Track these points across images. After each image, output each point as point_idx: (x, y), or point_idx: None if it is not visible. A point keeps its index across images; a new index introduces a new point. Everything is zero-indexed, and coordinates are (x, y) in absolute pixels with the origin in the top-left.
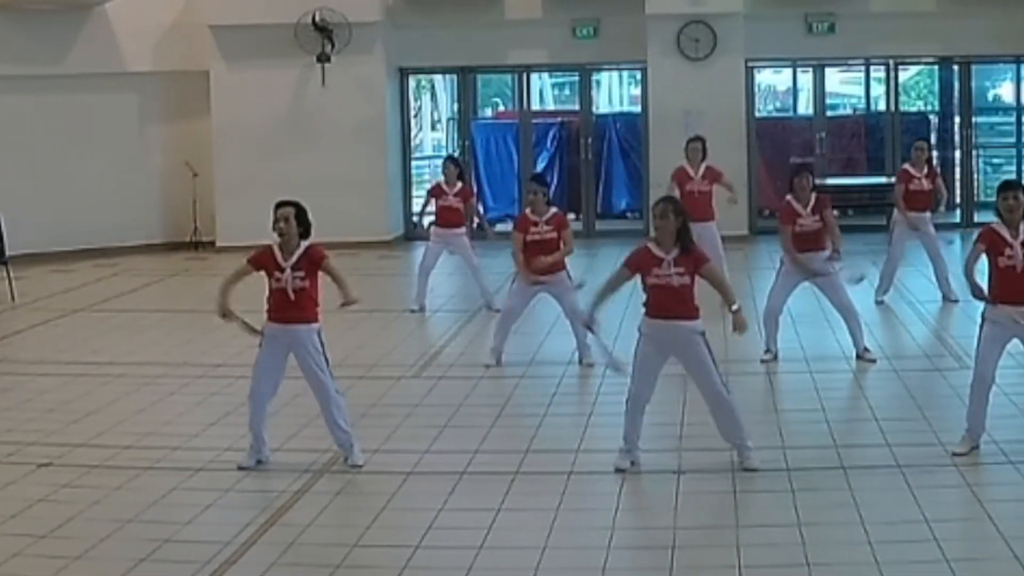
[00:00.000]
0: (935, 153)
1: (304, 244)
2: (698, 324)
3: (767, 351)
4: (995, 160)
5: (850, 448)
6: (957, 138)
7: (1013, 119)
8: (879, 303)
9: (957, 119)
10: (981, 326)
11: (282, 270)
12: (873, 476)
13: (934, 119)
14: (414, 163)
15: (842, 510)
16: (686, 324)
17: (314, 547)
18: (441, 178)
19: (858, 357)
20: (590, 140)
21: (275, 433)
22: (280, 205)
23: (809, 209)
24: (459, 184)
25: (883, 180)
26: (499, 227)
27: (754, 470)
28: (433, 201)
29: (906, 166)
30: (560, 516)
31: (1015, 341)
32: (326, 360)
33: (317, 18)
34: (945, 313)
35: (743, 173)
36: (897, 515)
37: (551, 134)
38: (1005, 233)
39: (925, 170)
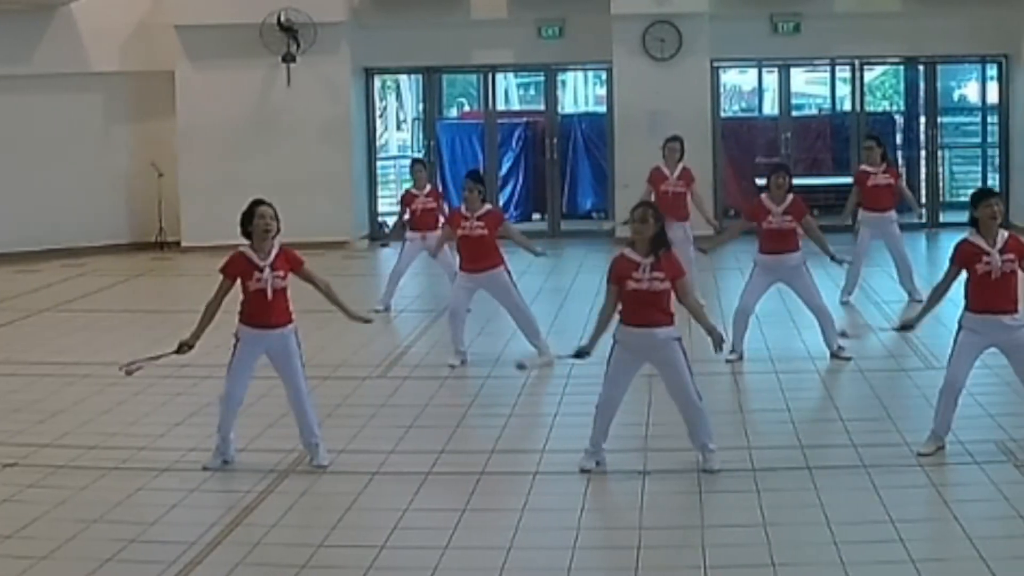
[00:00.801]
0: (899, 153)
1: (278, 243)
2: (674, 330)
3: (732, 351)
4: (960, 160)
5: (815, 448)
6: (922, 138)
7: (978, 119)
8: (844, 303)
9: (922, 119)
10: (957, 332)
11: (261, 270)
12: (838, 476)
13: (899, 119)
14: (379, 163)
15: (807, 510)
16: (663, 331)
17: (279, 547)
18: (409, 184)
19: (833, 356)
20: (555, 140)
21: (240, 433)
22: (259, 203)
23: (782, 209)
24: (428, 186)
25: (849, 180)
26: None
27: (714, 471)
28: (407, 208)
29: (863, 166)
30: (525, 516)
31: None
32: (302, 362)
33: (282, 18)
34: (911, 313)
35: (708, 173)
36: (862, 515)
37: (516, 134)
38: (982, 243)
39: (883, 167)
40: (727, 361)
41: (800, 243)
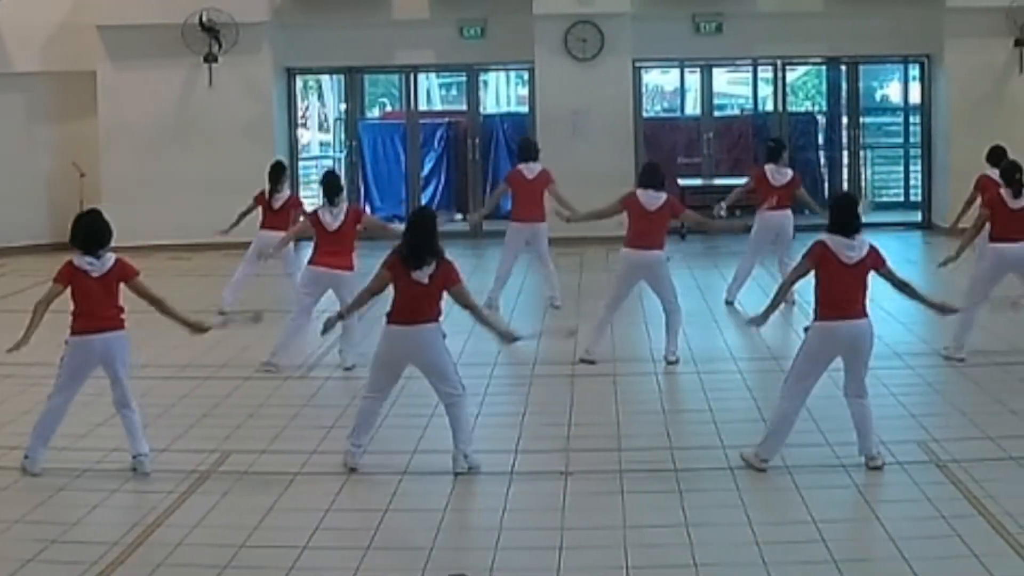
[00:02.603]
0: (822, 153)
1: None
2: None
3: (588, 352)
4: (883, 160)
5: (738, 449)
6: (845, 138)
7: (901, 119)
8: (729, 304)
9: (845, 119)
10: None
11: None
12: (761, 477)
13: (822, 119)
14: (301, 163)
15: (730, 511)
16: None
17: (201, 548)
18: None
19: (667, 362)
20: (477, 140)
21: (161, 434)
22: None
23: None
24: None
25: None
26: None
27: (465, 471)
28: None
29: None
30: (447, 517)
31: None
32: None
33: (204, 18)
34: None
35: (630, 174)
36: (785, 516)
37: (438, 134)
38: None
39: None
40: (582, 361)
41: (664, 243)
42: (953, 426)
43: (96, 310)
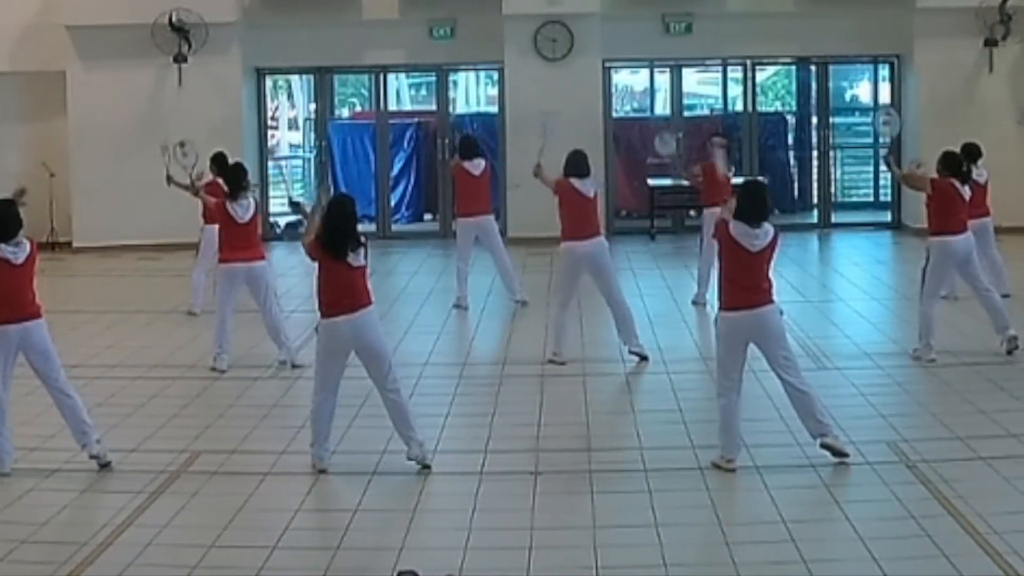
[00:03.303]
0: (791, 153)
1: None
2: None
3: (556, 354)
4: (852, 161)
5: (708, 449)
6: (814, 138)
7: (870, 119)
8: (695, 303)
9: (815, 119)
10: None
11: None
12: (730, 477)
13: (791, 119)
14: (270, 164)
15: (699, 511)
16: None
17: (171, 548)
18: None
19: (637, 356)
20: (447, 140)
21: (131, 434)
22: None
23: (593, 191)
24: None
25: (740, 180)
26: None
27: (425, 468)
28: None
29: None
30: (417, 517)
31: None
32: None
33: (174, 18)
34: (800, 313)
35: (600, 174)
36: (754, 516)
37: (408, 134)
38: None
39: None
40: (551, 362)
41: (600, 228)
42: (922, 426)
43: (16, 299)
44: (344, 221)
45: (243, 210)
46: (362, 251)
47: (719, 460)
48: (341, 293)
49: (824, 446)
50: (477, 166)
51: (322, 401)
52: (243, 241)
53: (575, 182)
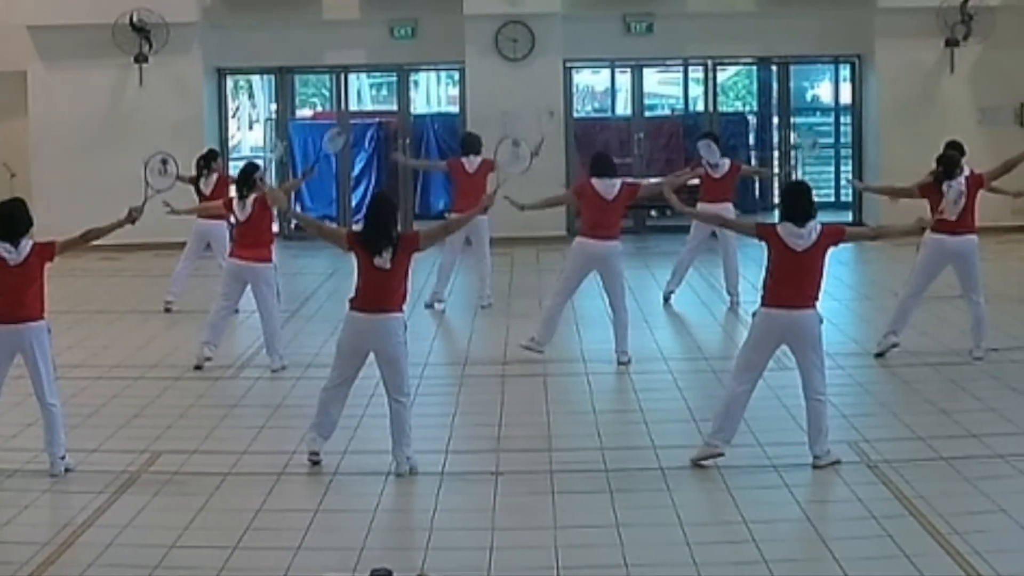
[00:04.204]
0: (753, 153)
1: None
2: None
3: (533, 339)
4: (813, 160)
5: (668, 449)
6: (776, 139)
7: (831, 119)
8: (667, 301)
9: (776, 119)
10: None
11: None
12: (692, 477)
13: (753, 120)
14: (232, 163)
15: (660, 511)
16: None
17: (131, 548)
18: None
19: (620, 362)
20: (408, 140)
21: (91, 434)
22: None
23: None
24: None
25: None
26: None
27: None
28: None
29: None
30: (378, 517)
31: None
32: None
33: (135, 18)
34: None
35: (561, 174)
36: (716, 516)
37: (369, 134)
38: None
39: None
40: (527, 348)
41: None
42: (884, 426)
43: (10, 299)
44: (375, 218)
45: (240, 209)
46: (390, 253)
47: (710, 443)
48: (365, 290)
49: (816, 466)
50: (472, 163)
51: (330, 393)
52: (243, 240)
53: (596, 182)
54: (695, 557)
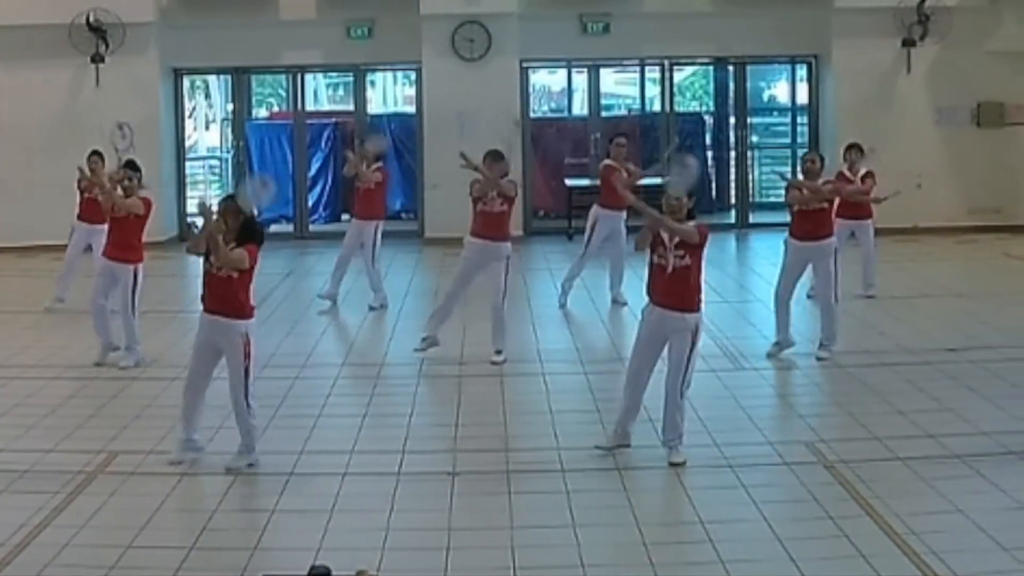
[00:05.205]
0: (710, 154)
1: None
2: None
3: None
4: (770, 161)
5: (624, 449)
6: (732, 139)
7: (788, 119)
8: (615, 303)
9: (732, 119)
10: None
11: None
12: (648, 477)
13: (709, 120)
14: (188, 164)
15: (617, 511)
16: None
17: (88, 549)
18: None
19: (492, 362)
20: (364, 141)
21: (48, 435)
22: None
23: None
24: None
25: (658, 181)
26: (274, 228)
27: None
28: None
29: (608, 161)
30: (334, 518)
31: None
32: None
33: (91, 18)
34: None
35: (518, 174)
36: (672, 516)
37: (325, 135)
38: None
39: (630, 166)
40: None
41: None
42: (840, 426)
43: None
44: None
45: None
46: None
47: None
48: (207, 292)
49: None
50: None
51: (188, 394)
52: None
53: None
54: (652, 557)
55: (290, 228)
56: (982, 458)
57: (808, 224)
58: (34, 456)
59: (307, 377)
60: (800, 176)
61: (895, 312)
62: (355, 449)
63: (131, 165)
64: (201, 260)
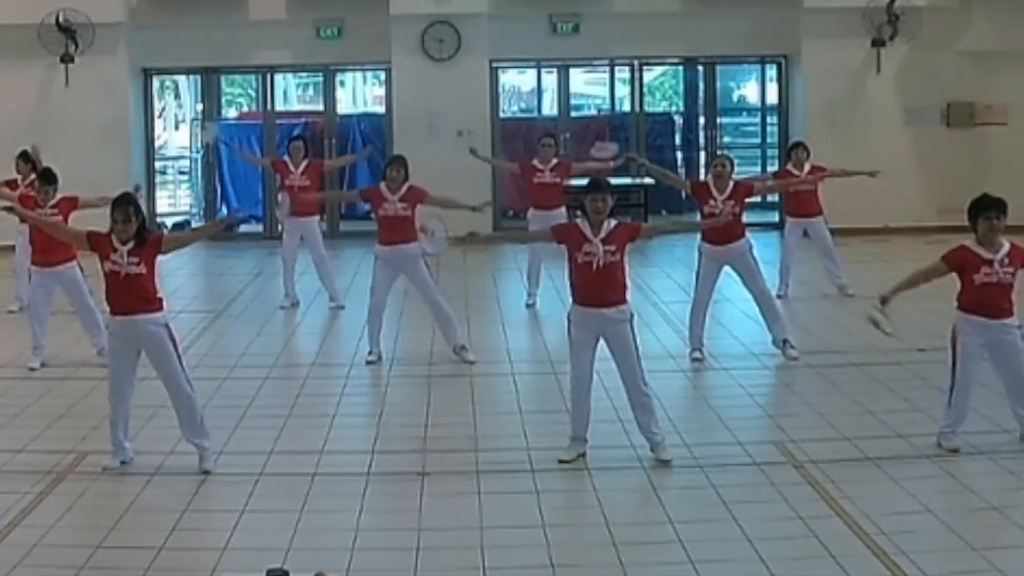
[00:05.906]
0: (679, 154)
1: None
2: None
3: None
4: (740, 161)
5: (595, 449)
6: (702, 139)
7: (758, 119)
8: (530, 306)
9: (702, 119)
10: (568, 330)
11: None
12: (618, 477)
13: (679, 120)
14: (158, 164)
15: (587, 511)
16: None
17: (57, 549)
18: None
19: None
20: (334, 140)
21: (17, 435)
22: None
23: (398, 196)
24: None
25: (628, 181)
26: (244, 227)
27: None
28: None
29: (535, 161)
30: (304, 518)
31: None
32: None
33: (60, 19)
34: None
35: (487, 174)
36: (642, 517)
37: (295, 134)
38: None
39: (552, 163)
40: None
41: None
42: (810, 427)
43: None
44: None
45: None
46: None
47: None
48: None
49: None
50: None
51: (113, 401)
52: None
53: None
54: (621, 558)
55: (260, 228)
56: (952, 458)
57: (719, 230)
58: (3, 456)
59: (276, 377)
60: (711, 180)
61: (865, 312)
62: (325, 449)
63: (45, 176)
64: (99, 262)
